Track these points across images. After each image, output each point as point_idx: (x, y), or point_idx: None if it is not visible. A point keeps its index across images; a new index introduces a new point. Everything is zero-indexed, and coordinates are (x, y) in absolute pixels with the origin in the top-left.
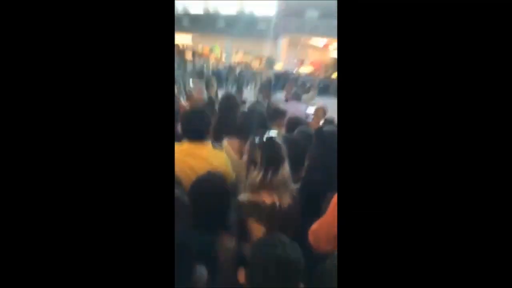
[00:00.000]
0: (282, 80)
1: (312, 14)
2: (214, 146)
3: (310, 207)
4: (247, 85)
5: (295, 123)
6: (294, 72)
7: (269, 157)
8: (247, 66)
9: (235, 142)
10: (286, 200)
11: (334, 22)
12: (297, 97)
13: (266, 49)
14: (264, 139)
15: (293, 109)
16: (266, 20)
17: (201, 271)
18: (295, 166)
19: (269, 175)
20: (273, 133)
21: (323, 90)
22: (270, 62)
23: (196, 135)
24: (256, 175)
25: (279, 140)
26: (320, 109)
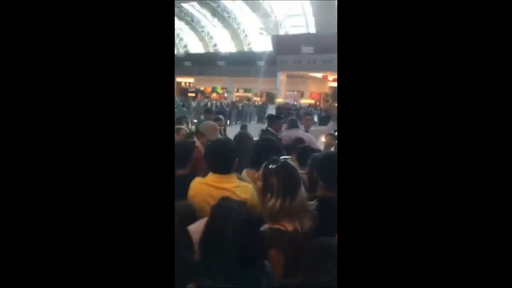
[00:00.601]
0: (285, 112)
1: (307, 49)
2: (238, 178)
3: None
4: (250, 120)
5: (309, 150)
6: (296, 104)
7: (286, 182)
8: (249, 101)
9: (252, 172)
10: (308, 224)
11: (329, 57)
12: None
13: (266, 85)
14: (279, 164)
15: (306, 138)
16: (264, 56)
17: None
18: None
19: (287, 201)
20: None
21: (325, 119)
22: (271, 97)
23: (222, 168)
24: (275, 202)
25: (294, 164)
26: (329, 135)
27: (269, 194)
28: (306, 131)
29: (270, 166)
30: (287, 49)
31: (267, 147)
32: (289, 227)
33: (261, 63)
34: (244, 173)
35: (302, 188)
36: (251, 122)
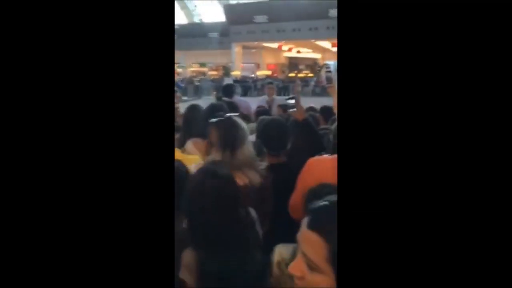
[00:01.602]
0: (242, 85)
1: (261, 19)
2: (182, 151)
3: (289, 186)
4: (209, 94)
5: (263, 112)
6: (253, 76)
7: (226, 135)
8: (205, 76)
9: (199, 141)
10: (256, 180)
11: (283, 25)
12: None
13: (221, 58)
14: (222, 119)
15: (243, 104)
16: (216, 27)
17: None
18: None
19: (227, 154)
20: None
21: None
22: (227, 70)
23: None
24: (215, 154)
25: (239, 121)
26: (279, 106)
27: (212, 147)
28: (270, 99)
29: (213, 120)
30: (240, 18)
31: (215, 111)
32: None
33: (214, 35)
34: (190, 143)
35: (249, 146)
36: (209, 97)
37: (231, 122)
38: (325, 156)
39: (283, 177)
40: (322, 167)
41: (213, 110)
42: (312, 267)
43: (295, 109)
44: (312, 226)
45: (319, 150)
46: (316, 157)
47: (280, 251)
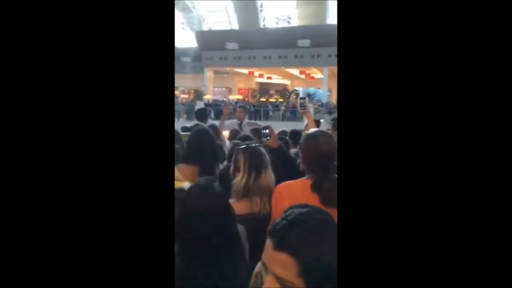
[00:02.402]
0: (214, 109)
1: (232, 46)
2: None
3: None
4: (179, 118)
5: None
6: (225, 100)
7: (252, 161)
8: (176, 99)
9: (185, 167)
10: (268, 207)
11: (254, 52)
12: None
13: (193, 82)
14: (247, 146)
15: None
16: (189, 52)
17: None
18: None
19: (252, 178)
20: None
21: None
22: (199, 94)
23: None
24: (241, 178)
25: (262, 149)
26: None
27: (237, 172)
28: (240, 123)
29: (242, 147)
30: (212, 45)
31: (202, 138)
32: (244, 209)
33: (186, 59)
34: (175, 170)
35: (270, 172)
36: (179, 120)
37: (257, 149)
38: (292, 181)
39: None
40: (291, 193)
41: (199, 134)
42: (284, 285)
43: (269, 138)
44: (278, 247)
45: (294, 174)
46: (284, 183)
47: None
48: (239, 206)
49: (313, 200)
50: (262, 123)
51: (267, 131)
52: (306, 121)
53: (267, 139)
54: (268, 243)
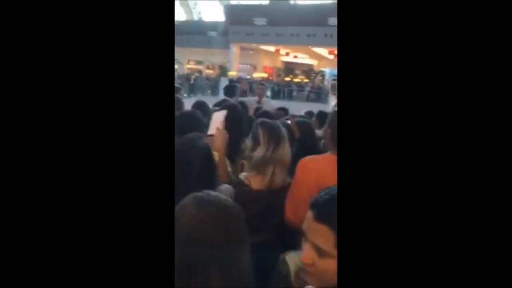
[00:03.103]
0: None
1: (260, 21)
2: None
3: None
4: (203, 93)
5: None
6: (249, 77)
7: (271, 133)
8: (200, 74)
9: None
10: (284, 180)
11: (281, 29)
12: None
13: (218, 57)
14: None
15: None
16: (216, 27)
17: None
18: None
19: (270, 150)
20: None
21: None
22: (224, 70)
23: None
24: (260, 150)
25: (280, 124)
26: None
27: (256, 145)
28: (259, 100)
29: (261, 120)
30: (240, 19)
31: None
32: (257, 184)
33: (213, 34)
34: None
35: (287, 146)
36: (203, 95)
37: (275, 123)
38: (317, 156)
39: None
40: (318, 166)
41: (232, 108)
42: (321, 253)
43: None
44: (319, 219)
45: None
46: (309, 157)
47: (294, 260)
48: (255, 180)
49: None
50: (285, 103)
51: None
52: (333, 103)
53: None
54: (310, 214)
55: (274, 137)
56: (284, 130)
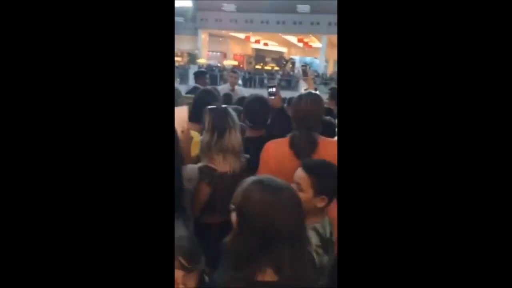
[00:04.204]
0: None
1: (229, 7)
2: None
3: None
4: None
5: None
6: (219, 65)
7: (216, 120)
8: None
9: (191, 126)
10: (237, 165)
11: (251, 16)
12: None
13: (186, 44)
14: (213, 106)
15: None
16: (184, 13)
17: None
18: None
19: (215, 137)
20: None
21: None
22: (193, 57)
23: None
24: (205, 137)
25: (231, 111)
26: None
27: (204, 132)
28: (232, 88)
29: (208, 107)
30: (207, 5)
31: (206, 99)
32: (220, 166)
33: (180, 19)
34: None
35: (237, 134)
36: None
37: (225, 109)
38: (279, 139)
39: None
40: (277, 150)
41: (205, 94)
42: (299, 189)
43: (274, 97)
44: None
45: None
46: (271, 141)
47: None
48: (218, 163)
49: (291, 155)
50: (256, 91)
51: (274, 89)
52: (302, 90)
53: (272, 98)
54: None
55: (219, 124)
56: (233, 118)
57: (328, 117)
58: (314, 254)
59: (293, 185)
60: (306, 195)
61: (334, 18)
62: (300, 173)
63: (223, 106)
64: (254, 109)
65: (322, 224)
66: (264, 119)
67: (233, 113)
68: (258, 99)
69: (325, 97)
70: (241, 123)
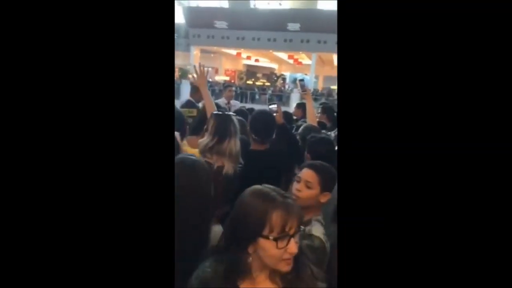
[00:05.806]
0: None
1: (221, 24)
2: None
3: (268, 172)
4: None
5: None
6: (211, 80)
7: (220, 125)
8: None
9: (194, 139)
10: (229, 171)
11: (242, 33)
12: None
13: (178, 59)
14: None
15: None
16: (177, 29)
17: None
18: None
19: (215, 139)
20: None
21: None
22: (184, 72)
23: None
24: (206, 138)
25: (234, 118)
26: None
27: (206, 135)
28: (228, 102)
29: (214, 112)
30: (200, 22)
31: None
32: (216, 162)
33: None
34: (185, 142)
35: (236, 141)
36: None
37: (229, 117)
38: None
39: (265, 162)
40: None
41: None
42: (308, 186)
43: (276, 114)
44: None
45: (294, 151)
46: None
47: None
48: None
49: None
50: (248, 106)
51: (275, 106)
52: (294, 105)
53: (275, 115)
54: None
55: (221, 129)
56: (235, 126)
57: (323, 131)
58: (324, 242)
59: (302, 183)
60: (314, 191)
61: (323, 36)
62: (309, 173)
63: (228, 113)
64: (261, 123)
65: (323, 216)
66: (270, 133)
67: (236, 121)
68: (266, 114)
69: (317, 111)
70: (241, 135)
